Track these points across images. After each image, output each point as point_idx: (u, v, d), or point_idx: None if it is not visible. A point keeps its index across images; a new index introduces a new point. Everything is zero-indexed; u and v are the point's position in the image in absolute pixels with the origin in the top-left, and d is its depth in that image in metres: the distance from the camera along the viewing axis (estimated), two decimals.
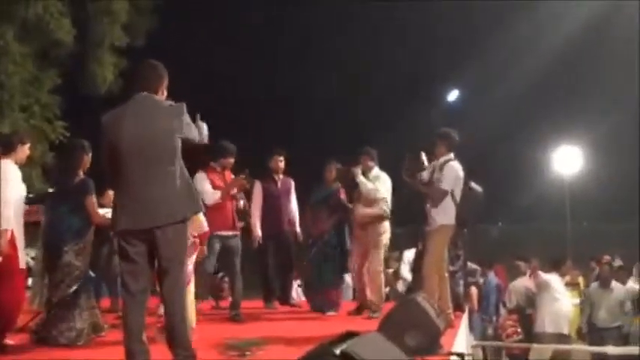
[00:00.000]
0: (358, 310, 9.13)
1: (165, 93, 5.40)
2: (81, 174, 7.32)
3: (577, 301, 12.89)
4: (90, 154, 7.38)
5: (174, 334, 5.09)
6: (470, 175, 8.30)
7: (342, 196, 9.46)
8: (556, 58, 32.63)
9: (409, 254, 11.64)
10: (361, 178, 8.95)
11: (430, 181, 8.22)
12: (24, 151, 7.29)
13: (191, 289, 7.34)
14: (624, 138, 35.76)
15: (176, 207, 5.14)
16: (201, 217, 6.84)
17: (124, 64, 17.75)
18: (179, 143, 5.16)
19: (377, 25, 34.49)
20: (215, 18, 28.91)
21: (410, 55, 35.72)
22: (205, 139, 5.55)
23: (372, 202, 8.93)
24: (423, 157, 8.42)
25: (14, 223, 6.92)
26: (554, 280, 11.78)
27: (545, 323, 11.50)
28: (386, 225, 9.05)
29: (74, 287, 7.04)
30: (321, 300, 9.34)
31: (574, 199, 34.02)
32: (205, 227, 6.92)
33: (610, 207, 38.94)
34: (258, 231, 9.47)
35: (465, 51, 34.36)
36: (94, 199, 7.23)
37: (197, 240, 6.79)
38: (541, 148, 35.51)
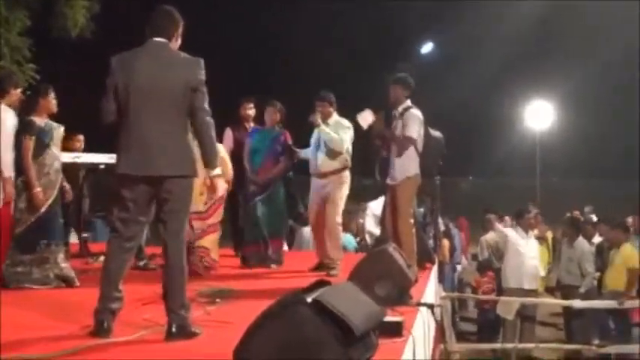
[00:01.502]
0: (318, 267, 8.51)
1: (179, 41, 5.24)
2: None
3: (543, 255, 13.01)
4: (50, 97, 7.26)
5: (171, 286, 4.99)
6: (427, 123, 8.12)
7: (289, 140, 9.01)
8: (530, 14, 32.59)
9: (374, 205, 11.61)
10: (323, 127, 8.39)
11: (391, 131, 8.02)
12: (17, 94, 7.21)
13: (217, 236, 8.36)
14: (595, 93, 36.00)
15: (182, 161, 5.03)
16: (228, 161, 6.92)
17: (95, 7, 17.48)
18: (189, 99, 5.01)
19: None
20: None
21: (383, 6, 35.48)
22: (203, 112, 5.32)
23: (335, 153, 8.39)
24: (369, 114, 8.17)
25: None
26: (513, 234, 11.76)
27: (509, 278, 11.56)
28: (346, 174, 8.51)
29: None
30: (264, 253, 8.88)
31: (544, 154, 34.28)
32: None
33: (580, 162, 39.29)
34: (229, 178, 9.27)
35: (440, 4, 34.16)
36: (28, 140, 7.05)
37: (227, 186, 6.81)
38: (513, 102, 35.71)
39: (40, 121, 7.18)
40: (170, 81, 4.98)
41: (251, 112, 9.66)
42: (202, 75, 5.08)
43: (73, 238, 9.59)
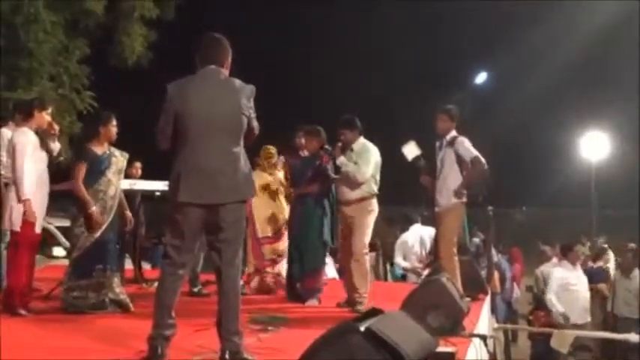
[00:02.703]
0: (347, 303, 8.01)
1: (228, 67, 5.31)
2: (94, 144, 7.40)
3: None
4: (110, 126, 7.42)
5: (225, 313, 5.04)
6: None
7: (324, 163, 8.44)
8: (587, 43, 32.29)
9: (404, 238, 11.36)
10: (341, 159, 7.96)
11: (441, 161, 7.97)
12: (42, 117, 7.28)
13: None
14: None
15: (241, 185, 5.10)
16: None
17: (153, 36, 17.76)
18: (245, 124, 5.12)
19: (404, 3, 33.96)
20: None
21: (438, 35, 35.43)
22: (256, 129, 5.38)
23: (354, 184, 7.96)
24: (413, 146, 8.18)
25: (32, 191, 6.96)
26: (559, 270, 11.59)
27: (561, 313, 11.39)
28: (373, 202, 8.07)
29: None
30: (301, 288, 8.40)
31: (600, 185, 33.81)
32: None
33: (636, 194, 38.65)
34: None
35: (495, 34, 34.01)
36: (81, 166, 7.24)
37: None
38: (568, 133, 35.26)
39: (98, 148, 7.35)
40: (227, 107, 5.05)
41: (304, 140, 9.65)
42: (252, 101, 5.17)
43: (128, 264, 9.70)
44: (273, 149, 9.32)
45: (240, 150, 5.14)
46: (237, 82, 5.19)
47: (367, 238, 8.06)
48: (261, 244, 8.95)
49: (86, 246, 7.20)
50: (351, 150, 8.08)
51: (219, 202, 5.00)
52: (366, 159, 8.01)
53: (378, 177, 8.14)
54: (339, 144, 8.10)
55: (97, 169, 7.29)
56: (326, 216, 8.42)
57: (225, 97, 5.09)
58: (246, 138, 5.17)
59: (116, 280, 7.33)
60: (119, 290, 7.33)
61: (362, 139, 8.16)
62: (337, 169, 8.17)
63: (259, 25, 28.76)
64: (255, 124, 5.22)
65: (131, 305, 7.28)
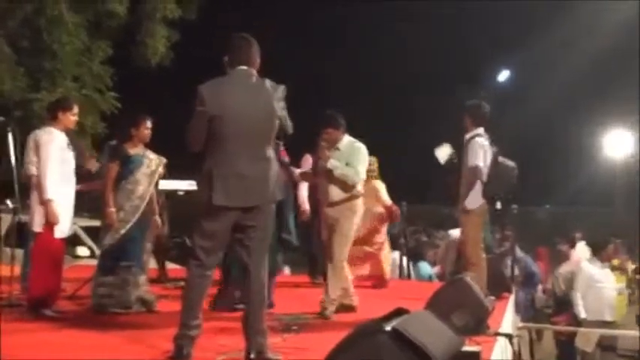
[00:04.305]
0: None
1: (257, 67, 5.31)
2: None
3: (623, 286, 12.71)
4: (143, 127, 7.51)
5: (251, 313, 5.07)
6: (500, 150, 8.05)
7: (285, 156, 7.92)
8: (611, 40, 32.07)
9: (455, 234, 11.32)
10: (333, 163, 7.31)
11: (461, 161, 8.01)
12: (68, 117, 7.27)
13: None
14: None
15: (273, 187, 5.14)
16: None
17: (175, 37, 17.78)
18: (277, 126, 5.15)
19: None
20: None
21: (459, 33, 35.30)
22: (290, 129, 5.42)
23: (349, 186, 7.37)
24: (447, 148, 8.17)
25: (57, 192, 6.97)
26: (588, 265, 11.53)
27: (587, 310, 11.32)
28: (358, 203, 7.49)
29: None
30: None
31: (624, 183, 33.60)
32: None
33: None
34: (305, 205, 9.34)
35: (517, 31, 33.83)
36: (112, 166, 7.41)
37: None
38: (591, 130, 35.06)
39: (132, 149, 7.45)
40: (260, 110, 5.07)
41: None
42: (283, 102, 5.18)
43: (152, 264, 9.73)
44: None
45: (272, 152, 5.17)
46: (269, 82, 5.20)
47: (349, 244, 7.43)
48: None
49: (111, 243, 7.26)
50: (337, 149, 7.43)
51: (253, 204, 5.04)
52: (358, 159, 7.45)
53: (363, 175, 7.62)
54: (323, 144, 7.42)
55: (127, 169, 7.38)
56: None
57: (258, 100, 5.11)
58: (280, 138, 5.20)
59: (142, 278, 7.37)
60: (145, 289, 7.40)
61: (347, 137, 7.52)
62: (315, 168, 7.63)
63: (280, 25, 28.72)
64: (288, 123, 5.25)
65: (156, 304, 7.32)
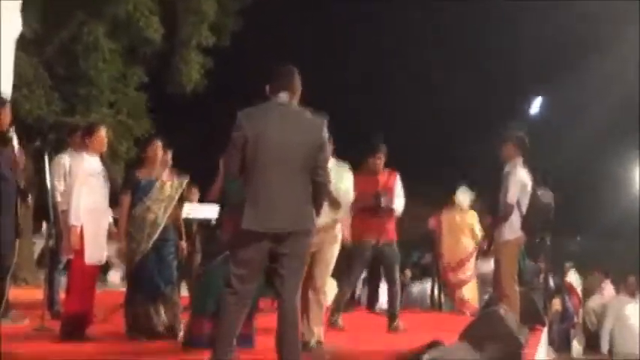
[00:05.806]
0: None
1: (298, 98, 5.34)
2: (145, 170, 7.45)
3: None
4: (150, 149, 7.45)
5: (285, 341, 5.03)
6: (540, 182, 8.05)
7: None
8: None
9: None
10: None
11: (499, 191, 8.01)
12: (95, 141, 7.15)
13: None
14: None
15: (307, 216, 5.12)
16: None
17: (209, 63, 17.91)
18: (314, 157, 5.12)
19: (455, 22, 33.66)
20: (296, 21, 28.94)
21: (491, 60, 35.22)
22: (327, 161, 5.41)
23: (339, 206, 6.93)
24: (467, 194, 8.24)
25: (85, 218, 6.94)
26: (617, 300, 11.43)
27: (619, 344, 11.20)
28: (338, 228, 7.16)
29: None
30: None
31: None
32: None
33: None
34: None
35: (551, 62, 33.72)
36: (124, 196, 7.26)
37: None
38: (623, 164, 34.86)
39: (143, 174, 7.37)
40: (298, 139, 5.06)
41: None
42: (326, 134, 5.18)
43: (184, 291, 9.73)
44: None
45: (307, 182, 5.12)
46: (309, 113, 5.22)
47: (330, 271, 7.12)
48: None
49: (128, 275, 7.37)
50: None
51: (284, 230, 4.99)
52: (343, 177, 7.02)
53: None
54: None
55: (137, 196, 7.26)
56: None
57: (297, 129, 5.11)
58: (315, 174, 5.13)
59: (166, 306, 7.28)
60: (173, 316, 7.32)
61: (332, 159, 6.80)
62: None
63: (315, 53, 28.86)
64: (328, 152, 5.26)
65: (181, 333, 7.13)
